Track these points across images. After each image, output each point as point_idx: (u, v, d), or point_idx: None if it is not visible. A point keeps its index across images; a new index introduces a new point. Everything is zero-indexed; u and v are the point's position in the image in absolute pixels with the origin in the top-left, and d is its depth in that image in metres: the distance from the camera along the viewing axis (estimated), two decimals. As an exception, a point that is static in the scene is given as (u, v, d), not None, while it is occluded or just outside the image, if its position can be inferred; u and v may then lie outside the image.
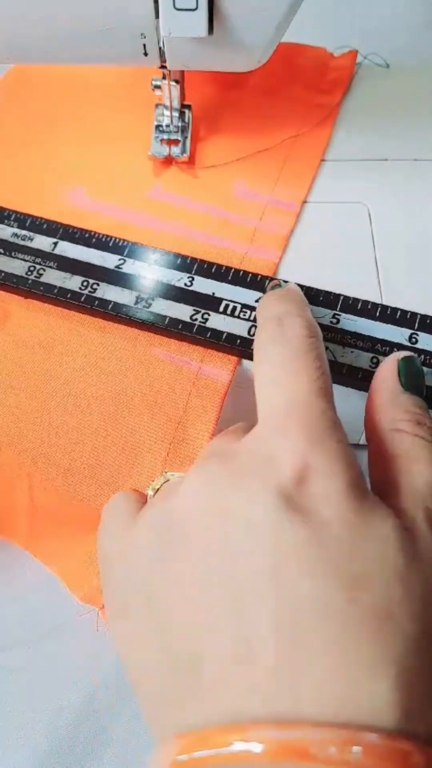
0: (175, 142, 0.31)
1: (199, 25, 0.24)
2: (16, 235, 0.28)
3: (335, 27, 0.47)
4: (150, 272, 0.27)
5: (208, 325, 0.25)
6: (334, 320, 0.26)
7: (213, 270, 0.27)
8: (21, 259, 0.28)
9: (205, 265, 0.27)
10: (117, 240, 0.28)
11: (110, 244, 0.28)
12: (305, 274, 0.28)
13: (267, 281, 0.26)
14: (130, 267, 0.27)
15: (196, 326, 0.25)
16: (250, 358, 0.25)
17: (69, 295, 0.26)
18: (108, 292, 0.27)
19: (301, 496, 0.16)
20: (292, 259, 0.28)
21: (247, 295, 0.26)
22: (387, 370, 0.21)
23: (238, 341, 0.25)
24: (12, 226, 0.29)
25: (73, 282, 0.27)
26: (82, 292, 0.26)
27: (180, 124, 0.32)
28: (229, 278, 0.27)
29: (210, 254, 0.28)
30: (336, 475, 0.17)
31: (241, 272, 0.27)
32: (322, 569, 0.15)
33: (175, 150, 0.31)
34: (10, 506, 0.25)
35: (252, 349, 0.23)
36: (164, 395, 0.25)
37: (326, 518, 0.16)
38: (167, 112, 0.31)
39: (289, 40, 0.30)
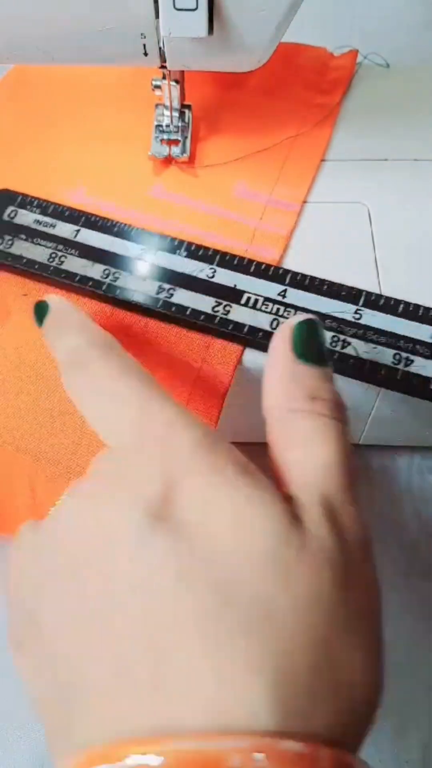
0: (175, 142, 0.31)
1: (199, 25, 0.24)
2: (38, 221, 0.28)
3: (335, 27, 0.47)
4: (171, 263, 0.27)
5: (230, 317, 0.25)
6: (357, 315, 0.26)
7: (235, 262, 0.27)
8: (43, 246, 0.27)
9: (227, 257, 0.27)
10: (139, 229, 0.28)
11: (132, 234, 0.28)
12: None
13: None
14: (151, 257, 0.27)
15: (218, 318, 0.25)
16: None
17: (90, 283, 0.26)
18: (129, 281, 0.26)
19: (169, 507, 0.16)
20: (292, 259, 0.28)
21: (270, 288, 0.26)
22: (280, 339, 0.19)
23: (260, 334, 0.25)
24: (35, 213, 0.29)
25: (95, 270, 0.27)
26: (104, 280, 0.26)
27: (180, 124, 0.32)
28: (251, 271, 0.27)
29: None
30: (200, 472, 0.16)
31: (263, 265, 0.27)
32: (192, 577, 0.15)
33: (175, 150, 0.31)
34: (11, 504, 0.25)
35: None
36: (173, 372, 0.25)
37: (193, 520, 0.16)
38: (167, 112, 0.31)
39: (289, 40, 0.30)
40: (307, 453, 0.17)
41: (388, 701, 0.27)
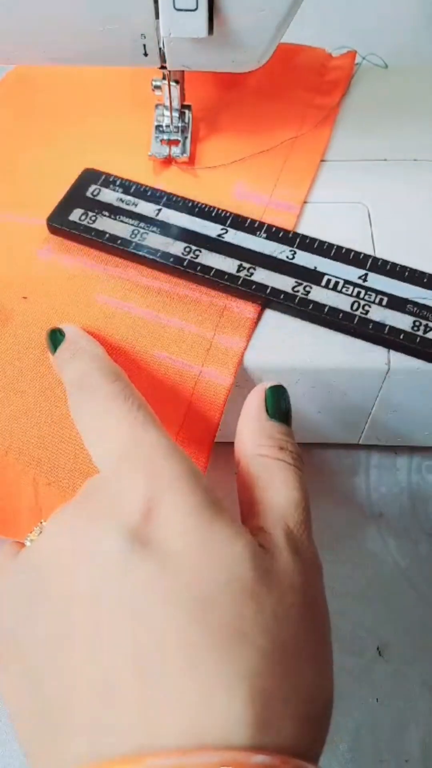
0: (175, 142, 0.31)
1: (199, 26, 0.24)
2: (121, 200, 0.29)
3: (335, 27, 0.47)
4: (251, 243, 0.28)
5: (311, 297, 0.26)
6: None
7: (315, 245, 0.28)
8: (126, 223, 0.28)
9: (308, 240, 0.28)
10: (219, 210, 0.29)
11: (213, 214, 0.29)
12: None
13: (50, 333, 0.25)
14: (232, 237, 0.28)
15: (298, 298, 0.26)
16: (354, 333, 0.26)
17: (171, 260, 0.27)
18: (210, 258, 0.27)
19: (149, 530, 0.17)
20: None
21: (351, 272, 0.27)
22: (254, 399, 0.22)
23: (341, 315, 0.26)
24: (117, 192, 0.29)
25: (176, 247, 0.27)
26: (185, 257, 0.27)
27: (180, 125, 0.32)
28: (332, 254, 0.27)
29: None
30: (180, 502, 0.17)
31: (344, 249, 0.27)
32: (171, 598, 0.16)
33: (175, 150, 0.31)
34: (15, 507, 0.25)
35: (355, 325, 0.25)
36: (165, 398, 0.25)
37: (173, 547, 0.17)
38: (167, 113, 0.31)
39: (289, 40, 0.30)
40: (273, 492, 0.20)
41: (388, 701, 0.27)
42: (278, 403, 0.22)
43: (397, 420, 0.29)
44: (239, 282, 0.26)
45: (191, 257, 0.27)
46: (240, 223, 0.28)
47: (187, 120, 0.32)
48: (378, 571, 0.30)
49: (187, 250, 0.27)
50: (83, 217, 0.28)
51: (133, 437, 0.19)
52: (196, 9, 0.24)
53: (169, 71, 0.29)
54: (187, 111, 0.32)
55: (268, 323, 0.27)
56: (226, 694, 0.15)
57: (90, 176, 0.30)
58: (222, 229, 0.28)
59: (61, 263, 0.28)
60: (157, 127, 0.32)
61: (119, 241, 0.27)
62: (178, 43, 0.25)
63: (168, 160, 0.32)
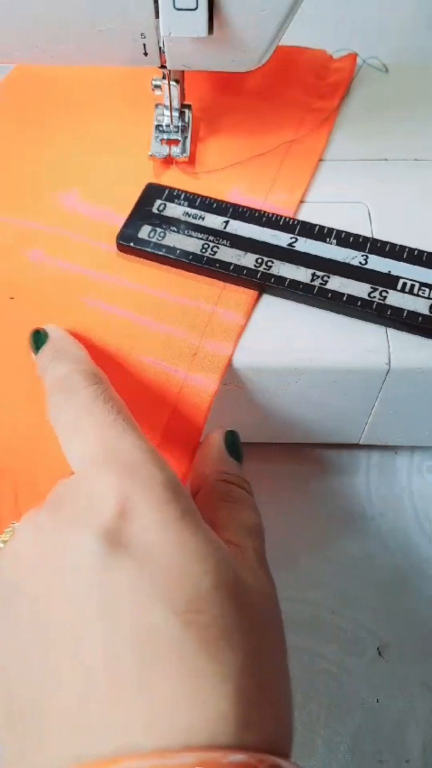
0: (175, 141, 0.31)
1: (199, 25, 0.24)
2: (187, 213, 0.29)
3: (335, 27, 0.47)
4: (323, 251, 0.28)
5: (388, 302, 0.26)
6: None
7: (387, 249, 0.28)
8: (195, 237, 0.28)
9: (379, 244, 0.28)
10: (287, 218, 0.29)
11: (281, 223, 0.28)
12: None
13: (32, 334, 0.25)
14: (302, 245, 0.28)
15: (375, 303, 0.26)
16: None
17: (245, 272, 0.27)
18: (283, 269, 0.27)
19: (124, 532, 0.17)
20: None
21: (426, 274, 0.27)
22: (216, 435, 0.24)
23: (420, 319, 0.25)
24: (183, 205, 0.29)
25: (248, 259, 0.27)
26: (257, 269, 0.27)
27: (180, 124, 0.32)
28: (404, 257, 0.27)
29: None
30: (156, 504, 0.17)
31: (416, 251, 0.27)
32: (152, 599, 0.16)
33: (175, 150, 0.31)
34: None
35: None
36: (150, 403, 0.25)
37: (151, 549, 0.17)
38: (167, 112, 0.31)
39: (289, 40, 0.30)
40: (239, 513, 0.21)
41: (388, 701, 0.27)
42: (236, 446, 0.24)
43: (397, 420, 0.29)
44: (315, 291, 0.26)
45: (264, 269, 0.27)
46: (309, 230, 0.28)
47: (187, 120, 0.32)
48: (378, 572, 0.30)
49: (259, 261, 0.27)
50: (152, 234, 0.28)
51: (110, 441, 0.19)
52: (196, 8, 0.24)
53: (169, 71, 0.29)
54: (187, 111, 0.32)
55: (267, 323, 0.27)
56: (213, 694, 0.15)
57: (153, 191, 0.30)
58: (292, 238, 0.28)
59: (51, 265, 0.28)
60: (157, 126, 0.32)
61: (191, 257, 0.27)
62: (178, 42, 0.25)
63: (168, 160, 0.32)
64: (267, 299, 0.27)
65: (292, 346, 0.26)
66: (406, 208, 0.30)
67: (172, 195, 0.30)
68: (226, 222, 0.29)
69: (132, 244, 0.28)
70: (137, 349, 0.26)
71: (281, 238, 0.28)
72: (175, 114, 0.31)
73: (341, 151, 0.33)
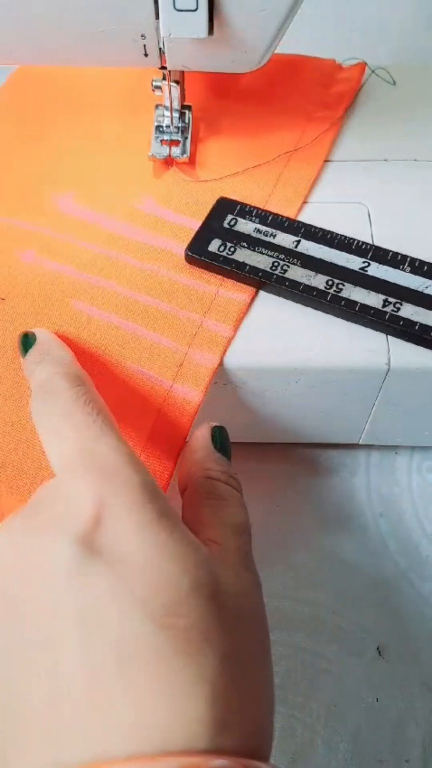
0: (176, 142, 0.31)
1: (199, 26, 0.24)
2: (258, 230, 0.29)
3: (335, 27, 0.47)
4: (396, 277, 0.27)
5: None
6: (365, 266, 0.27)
7: None
8: (265, 254, 0.28)
9: None
10: (359, 242, 0.28)
11: (353, 246, 0.28)
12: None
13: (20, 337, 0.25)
14: (375, 270, 0.27)
15: None
16: None
17: (315, 293, 0.26)
18: (354, 293, 0.26)
19: (100, 537, 0.17)
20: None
21: None
22: (203, 432, 0.24)
23: None
24: (254, 222, 0.29)
25: (318, 280, 0.27)
26: (328, 291, 0.27)
27: (180, 125, 0.32)
28: None
29: (194, 269, 0.28)
30: (132, 507, 0.17)
31: None
32: (129, 605, 0.16)
33: (176, 150, 0.31)
34: None
35: None
36: (134, 409, 0.25)
37: (127, 553, 0.16)
38: (167, 113, 0.31)
39: (289, 41, 0.30)
40: (224, 512, 0.21)
41: (388, 701, 0.27)
42: (224, 440, 0.24)
43: (397, 420, 0.29)
44: (386, 318, 0.26)
45: (334, 291, 0.26)
46: (382, 256, 0.28)
47: (187, 120, 0.32)
48: (378, 572, 0.30)
49: (330, 283, 0.27)
50: (222, 248, 0.28)
51: (87, 444, 0.19)
52: (196, 9, 0.24)
53: (169, 71, 0.29)
54: (187, 111, 0.32)
55: (267, 323, 0.27)
56: (190, 698, 0.15)
57: (225, 205, 0.30)
58: (364, 262, 0.27)
59: (44, 267, 0.28)
60: (158, 127, 0.32)
61: (260, 274, 0.27)
62: (178, 43, 0.25)
63: (168, 161, 0.32)
64: (263, 296, 0.27)
65: (291, 347, 0.26)
66: (407, 209, 0.30)
67: (244, 210, 0.29)
68: (298, 241, 0.28)
69: (201, 257, 0.28)
70: (123, 355, 0.26)
71: (353, 262, 0.28)
72: (176, 115, 0.31)
73: (342, 151, 0.33)
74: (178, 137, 0.32)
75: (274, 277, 0.27)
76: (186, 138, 0.32)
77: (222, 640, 0.16)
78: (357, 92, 0.35)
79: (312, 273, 0.27)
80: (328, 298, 0.26)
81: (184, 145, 0.32)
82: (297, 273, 0.27)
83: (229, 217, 0.29)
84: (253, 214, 0.29)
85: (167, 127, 0.32)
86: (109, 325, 0.26)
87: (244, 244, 0.28)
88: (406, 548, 0.30)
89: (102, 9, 0.25)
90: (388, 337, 0.26)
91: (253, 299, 0.27)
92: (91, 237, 0.29)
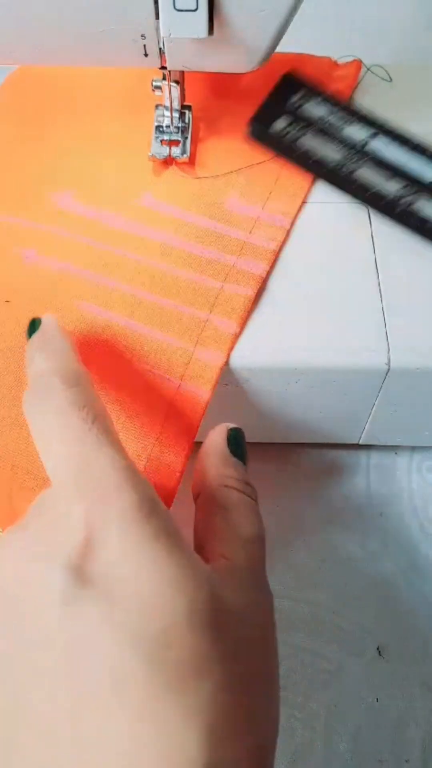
0: (176, 142, 0.31)
1: (199, 26, 0.24)
2: (324, 119, 0.27)
3: (335, 27, 0.47)
4: None
5: None
6: None
7: None
8: (333, 147, 0.26)
9: None
10: None
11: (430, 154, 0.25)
12: (304, 274, 0.28)
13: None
14: None
15: None
16: None
17: (383, 202, 0.24)
18: (427, 208, 0.24)
19: (90, 564, 0.16)
20: (292, 259, 0.28)
21: None
22: (218, 435, 0.23)
23: None
24: (322, 107, 0.27)
25: (390, 186, 0.25)
26: (397, 203, 0.24)
27: (180, 125, 0.32)
28: None
29: (196, 264, 0.28)
30: (128, 531, 0.16)
31: None
32: (119, 639, 0.15)
33: (176, 150, 0.31)
34: None
35: None
36: (143, 409, 0.25)
37: (119, 580, 0.16)
38: (167, 113, 0.31)
39: (289, 41, 0.30)
40: (237, 523, 0.20)
41: (388, 701, 0.27)
42: (240, 444, 0.23)
43: (397, 420, 0.29)
44: None
45: (404, 204, 0.24)
46: None
47: (187, 120, 0.32)
48: (378, 572, 0.30)
49: (400, 194, 0.24)
50: (286, 131, 0.25)
51: (83, 456, 0.18)
52: (196, 9, 0.24)
53: (169, 71, 0.29)
54: (187, 111, 0.32)
55: (267, 323, 0.27)
56: (181, 733, 0.14)
57: (290, 83, 0.27)
58: None
59: (46, 266, 0.28)
60: (158, 127, 0.32)
61: (326, 169, 0.24)
62: (178, 43, 0.25)
63: (168, 161, 0.32)
64: (265, 301, 0.27)
65: (292, 346, 0.26)
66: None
67: (312, 93, 0.26)
68: (370, 138, 0.25)
69: (263, 140, 0.25)
70: (130, 355, 0.26)
71: (428, 172, 0.25)
72: (176, 115, 0.31)
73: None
74: (178, 137, 0.32)
75: (341, 176, 0.24)
76: (186, 138, 0.32)
77: (218, 669, 0.15)
78: (353, 89, 0.35)
79: (383, 178, 0.25)
80: (397, 212, 0.24)
81: (184, 145, 0.32)
82: (366, 174, 0.25)
83: (294, 97, 0.27)
84: (321, 98, 0.26)
85: (167, 127, 0.32)
86: (114, 326, 0.26)
87: (311, 131, 0.26)
88: (406, 548, 0.30)
89: (102, 9, 0.25)
90: (388, 335, 0.26)
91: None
92: (91, 233, 0.29)
